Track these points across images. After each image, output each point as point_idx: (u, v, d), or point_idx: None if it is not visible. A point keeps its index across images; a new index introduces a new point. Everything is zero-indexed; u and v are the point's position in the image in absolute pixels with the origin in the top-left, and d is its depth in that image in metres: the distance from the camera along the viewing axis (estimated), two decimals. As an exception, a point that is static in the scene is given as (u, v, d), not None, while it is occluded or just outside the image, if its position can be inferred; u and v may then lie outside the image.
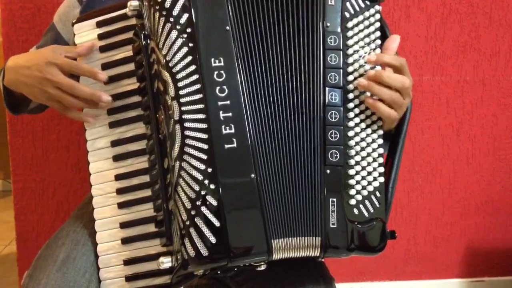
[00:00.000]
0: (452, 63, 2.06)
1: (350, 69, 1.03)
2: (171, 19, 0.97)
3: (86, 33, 1.09)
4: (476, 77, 2.08)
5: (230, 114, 0.97)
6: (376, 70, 1.00)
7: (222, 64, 0.98)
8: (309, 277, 1.14)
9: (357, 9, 1.04)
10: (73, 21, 1.10)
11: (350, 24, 1.03)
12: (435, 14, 2.01)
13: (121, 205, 1.07)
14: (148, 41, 1.01)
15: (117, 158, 1.08)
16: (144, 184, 1.06)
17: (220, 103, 0.97)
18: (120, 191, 1.07)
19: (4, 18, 1.87)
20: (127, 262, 1.06)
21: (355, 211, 1.02)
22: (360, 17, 1.04)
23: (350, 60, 1.03)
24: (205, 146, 0.96)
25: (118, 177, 1.07)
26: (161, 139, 1.01)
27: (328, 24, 1.02)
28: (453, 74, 2.07)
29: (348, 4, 1.03)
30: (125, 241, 1.06)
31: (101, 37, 1.08)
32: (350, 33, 1.03)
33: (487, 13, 2.02)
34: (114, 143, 1.08)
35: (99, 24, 1.08)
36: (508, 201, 2.19)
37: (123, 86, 1.07)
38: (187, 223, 0.96)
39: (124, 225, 1.07)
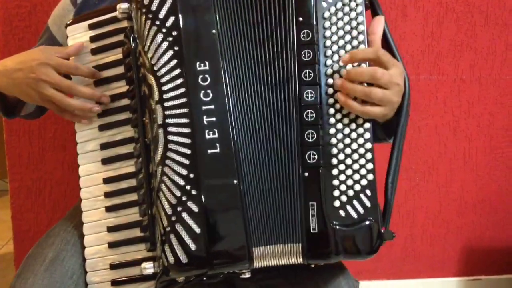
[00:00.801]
0: (449, 62, 2.05)
1: (328, 62, 0.98)
2: (157, 22, 0.96)
3: (79, 35, 1.08)
4: (472, 76, 2.07)
5: (214, 118, 0.96)
6: (346, 72, 0.96)
7: (207, 68, 0.96)
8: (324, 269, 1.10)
9: None
10: (67, 23, 1.10)
11: (327, 14, 0.98)
12: (432, 13, 2.00)
13: (108, 209, 1.06)
14: (137, 44, 1.00)
15: (105, 161, 1.07)
16: (131, 188, 1.05)
17: (204, 107, 0.96)
18: (108, 195, 1.07)
19: (0, 17, 1.86)
20: (113, 266, 1.06)
21: (341, 213, 0.98)
22: (339, 4, 0.98)
23: (329, 52, 0.98)
24: (188, 151, 0.95)
25: (106, 181, 1.07)
26: (147, 143, 1.00)
27: (301, 18, 0.98)
28: (449, 73, 2.06)
29: None
30: (112, 245, 1.06)
31: (93, 39, 1.07)
32: (327, 24, 0.98)
33: (483, 12, 2.01)
34: (103, 146, 1.08)
35: (92, 27, 1.07)
36: (505, 199, 2.19)
37: (113, 89, 1.07)
38: (168, 229, 0.95)
39: (111, 229, 1.06)
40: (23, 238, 2.02)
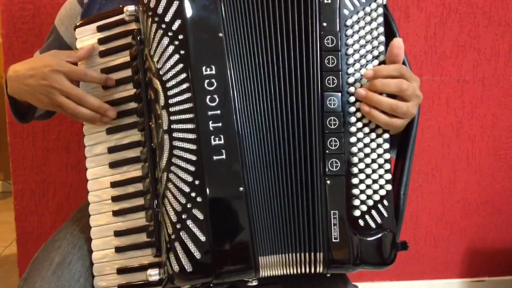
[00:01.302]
0: (452, 63, 2.05)
1: (350, 70, 0.97)
2: (163, 26, 0.95)
3: (87, 38, 1.07)
4: (475, 76, 2.07)
5: (220, 124, 0.94)
6: (370, 82, 0.96)
7: (213, 72, 0.95)
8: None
9: (357, 4, 0.98)
10: (76, 25, 1.09)
11: (349, 22, 0.97)
12: (435, 14, 2.00)
13: (115, 213, 1.05)
14: (144, 47, 0.98)
15: (113, 165, 1.06)
16: (139, 192, 1.03)
17: (210, 112, 0.94)
18: (115, 199, 1.05)
19: (3, 19, 1.86)
20: (120, 271, 1.04)
21: (361, 222, 0.97)
22: (361, 13, 0.98)
23: (351, 60, 0.97)
24: (193, 157, 0.94)
25: (114, 184, 1.06)
26: (153, 148, 0.99)
27: (325, 24, 0.97)
28: (452, 74, 2.06)
29: (347, 0, 0.98)
30: (119, 249, 1.04)
31: (101, 41, 1.06)
32: (349, 32, 0.97)
33: (486, 13, 2.01)
34: (111, 150, 1.06)
35: (100, 29, 1.06)
36: (508, 200, 2.18)
37: (121, 91, 1.05)
38: (173, 236, 0.94)
39: (118, 234, 1.05)
40: (27, 240, 2.01)
